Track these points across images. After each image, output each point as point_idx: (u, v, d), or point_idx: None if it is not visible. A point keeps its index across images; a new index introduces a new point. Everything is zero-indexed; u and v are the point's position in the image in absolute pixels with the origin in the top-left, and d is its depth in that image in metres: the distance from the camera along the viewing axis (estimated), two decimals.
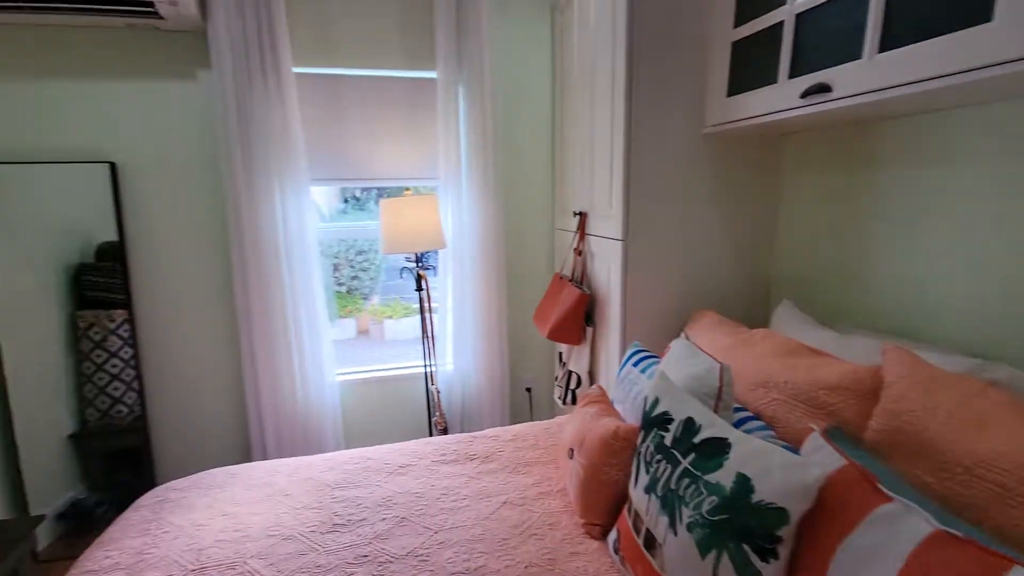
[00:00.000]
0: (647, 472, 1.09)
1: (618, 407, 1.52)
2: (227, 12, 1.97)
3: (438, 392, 2.40)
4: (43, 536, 2.22)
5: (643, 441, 1.15)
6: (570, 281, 2.17)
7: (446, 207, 2.38)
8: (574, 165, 2.25)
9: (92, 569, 1.16)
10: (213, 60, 2.01)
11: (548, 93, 2.53)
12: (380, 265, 6.44)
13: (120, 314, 2.27)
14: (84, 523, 2.30)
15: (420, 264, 2.34)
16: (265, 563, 1.16)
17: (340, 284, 5.59)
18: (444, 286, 2.48)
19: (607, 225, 1.91)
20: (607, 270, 1.93)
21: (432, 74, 2.31)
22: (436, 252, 2.51)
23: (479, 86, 2.27)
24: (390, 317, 5.77)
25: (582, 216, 2.13)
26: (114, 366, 2.31)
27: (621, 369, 1.60)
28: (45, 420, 2.22)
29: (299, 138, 2.15)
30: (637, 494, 1.11)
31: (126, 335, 2.28)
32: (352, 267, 5.97)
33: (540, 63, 2.50)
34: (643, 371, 1.47)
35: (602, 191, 1.93)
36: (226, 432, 2.39)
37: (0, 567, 1.58)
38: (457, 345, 2.48)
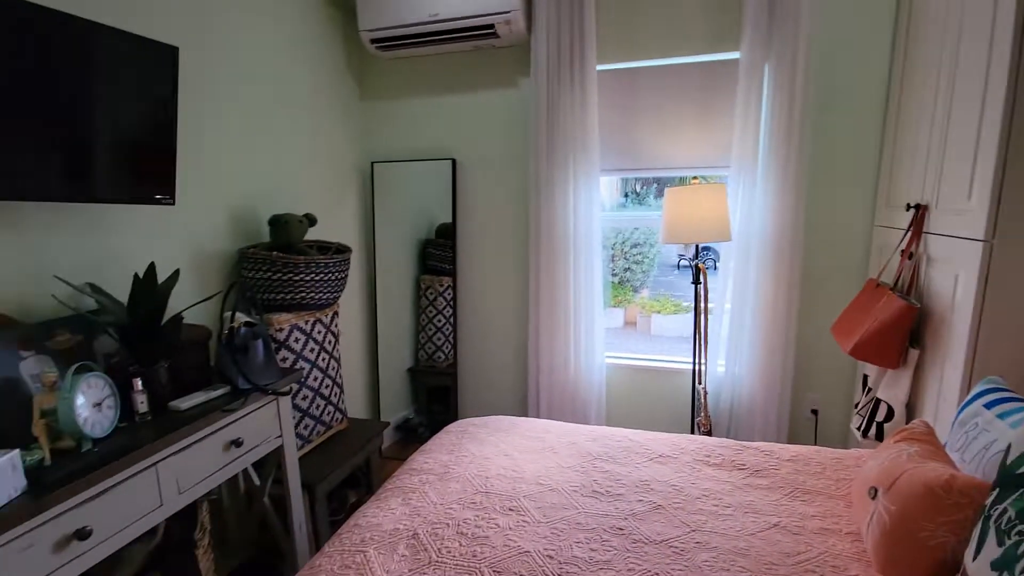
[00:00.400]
0: (1000, 544, 0.82)
1: (953, 454, 1.18)
2: (548, 25, 2.24)
3: (705, 393, 2.28)
4: (386, 438, 2.99)
5: (997, 503, 0.87)
6: (891, 289, 1.76)
7: (735, 198, 2.21)
8: (913, 149, 1.80)
9: (414, 468, 1.52)
10: (532, 68, 2.33)
11: (881, 67, 2.07)
12: (654, 260, 6.43)
13: (447, 280, 2.86)
14: (410, 436, 3.01)
15: (700, 257, 2.25)
16: (534, 505, 1.32)
17: (613, 275, 5.81)
18: (723, 283, 2.33)
19: (960, 221, 1.48)
20: (953, 278, 1.50)
21: (734, 55, 2.17)
22: (714, 249, 2.36)
23: (790, 65, 2.02)
24: (658, 312, 5.73)
25: (920, 210, 1.70)
26: (439, 321, 2.93)
27: (963, 408, 1.24)
28: (395, 355, 2.98)
29: (595, 131, 2.31)
30: (979, 570, 0.85)
31: (449, 298, 2.87)
32: (626, 259, 6.12)
33: (873, 34, 2.06)
34: (1001, 416, 1.11)
35: (956, 178, 1.50)
36: (510, 387, 2.78)
37: (366, 447, 2.22)
38: (732, 348, 2.31)
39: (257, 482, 1.83)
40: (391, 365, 2.98)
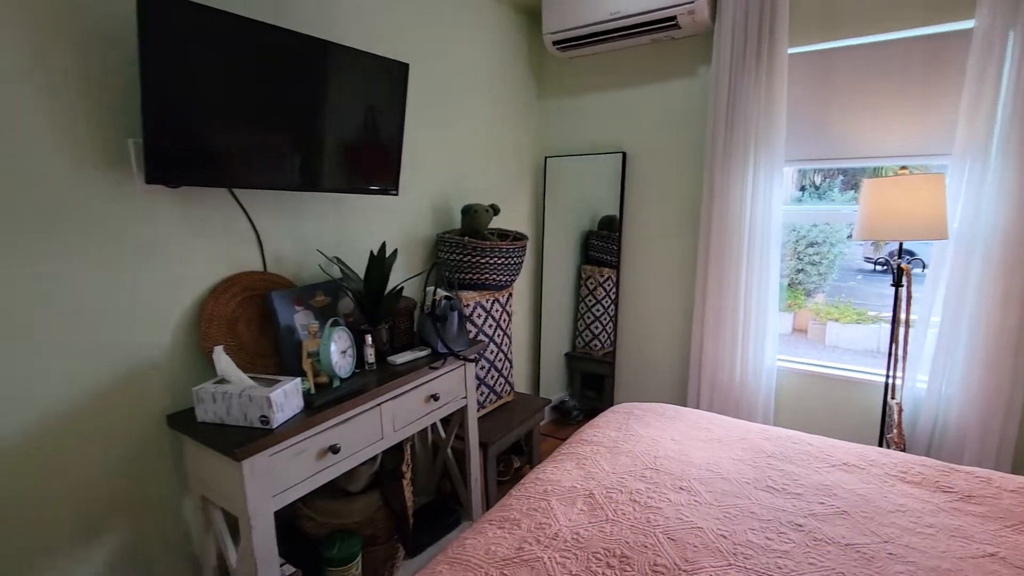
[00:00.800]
0: None
1: None
2: (735, 10, 2.18)
3: (900, 409, 2.04)
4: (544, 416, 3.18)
5: None
6: None
7: (955, 190, 1.93)
8: None
9: (585, 439, 1.64)
10: (714, 56, 2.28)
11: None
12: (834, 261, 5.73)
13: (607, 272, 2.93)
14: (564, 418, 3.17)
15: (903, 256, 2.01)
16: (705, 488, 1.35)
17: (782, 275, 5.34)
18: (932, 290, 2.05)
19: None
20: None
21: (967, 24, 1.88)
22: (914, 253, 2.08)
23: None
24: (836, 320, 5.12)
25: None
26: (597, 310, 3.03)
27: None
28: (555, 339, 3.15)
29: (781, 120, 2.18)
30: None
31: (608, 288, 2.94)
32: (799, 259, 5.57)
33: None
34: None
35: None
36: (668, 380, 2.78)
37: (530, 420, 2.42)
38: (940, 363, 2.02)
39: (443, 435, 2.12)
40: (550, 348, 3.16)
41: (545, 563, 1.07)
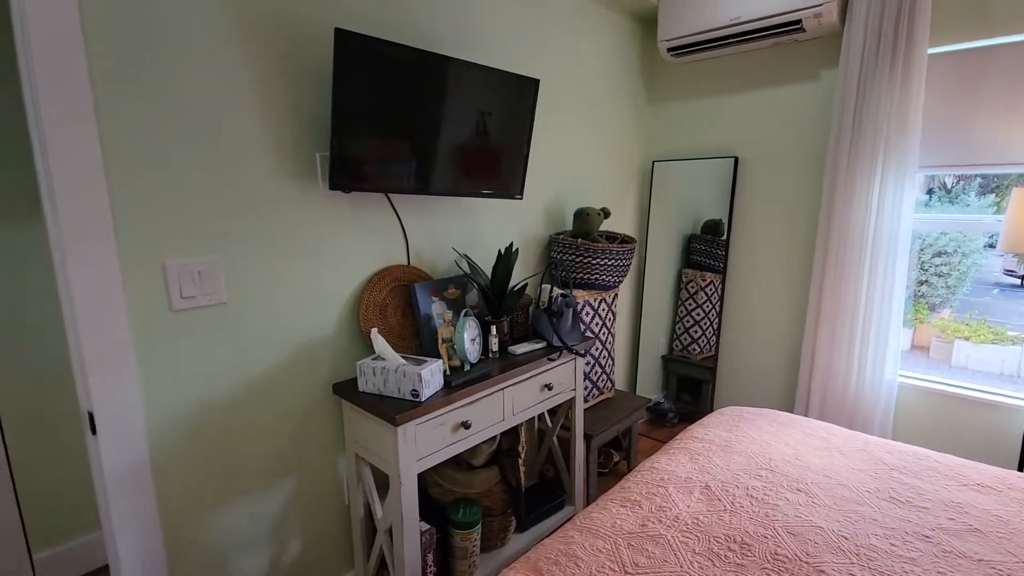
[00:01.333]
0: None
1: None
2: (868, 10, 2.11)
3: None
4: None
5: None
6: None
7: None
8: None
9: (696, 437, 1.71)
10: (841, 58, 2.22)
11: None
12: (965, 273, 5.19)
13: (709, 276, 2.93)
14: (659, 419, 3.20)
15: None
16: (823, 492, 1.38)
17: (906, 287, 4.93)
18: None
19: None
20: None
21: None
22: None
23: None
24: (966, 338, 4.65)
25: None
26: (697, 315, 3.03)
27: None
28: (652, 341, 3.19)
29: (916, 124, 2.09)
30: None
31: (710, 292, 2.93)
32: (923, 270, 5.11)
33: None
34: None
35: None
36: (773, 386, 2.73)
37: (630, 417, 2.50)
38: None
39: (549, 423, 2.27)
40: (647, 349, 3.20)
41: (669, 540, 1.17)
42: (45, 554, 1.90)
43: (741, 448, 1.61)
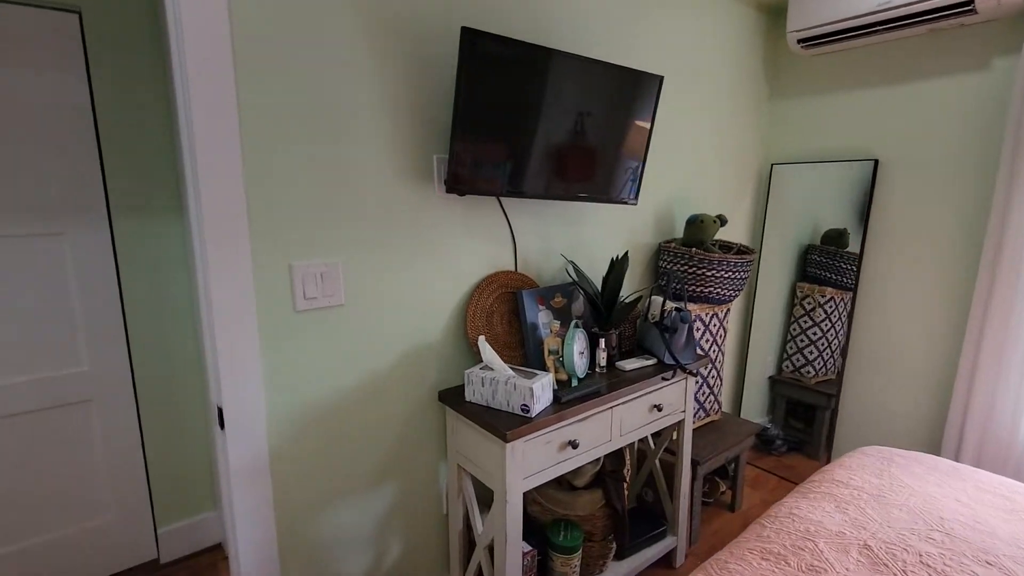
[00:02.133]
0: None
1: None
2: None
3: None
4: None
5: None
6: None
7: None
8: None
9: (839, 481, 1.49)
10: None
11: None
12: None
13: (830, 291, 2.62)
14: (765, 446, 2.92)
15: None
16: (1023, 570, 1.13)
17: None
18: None
19: None
20: None
21: None
22: None
23: None
24: None
25: None
26: (814, 334, 2.72)
27: None
28: (760, 359, 2.92)
29: None
30: None
31: (830, 310, 2.62)
32: None
33: None
34: None
35: None
36: (914, 423, 2.38)
37: (741, 444, 2.27)
38: None
39: (652, 445, 2.11)
40: (754, 369, 2.94)
41: None
42: (166, 528, 2.02)
43: (899, 500, 1.37)
